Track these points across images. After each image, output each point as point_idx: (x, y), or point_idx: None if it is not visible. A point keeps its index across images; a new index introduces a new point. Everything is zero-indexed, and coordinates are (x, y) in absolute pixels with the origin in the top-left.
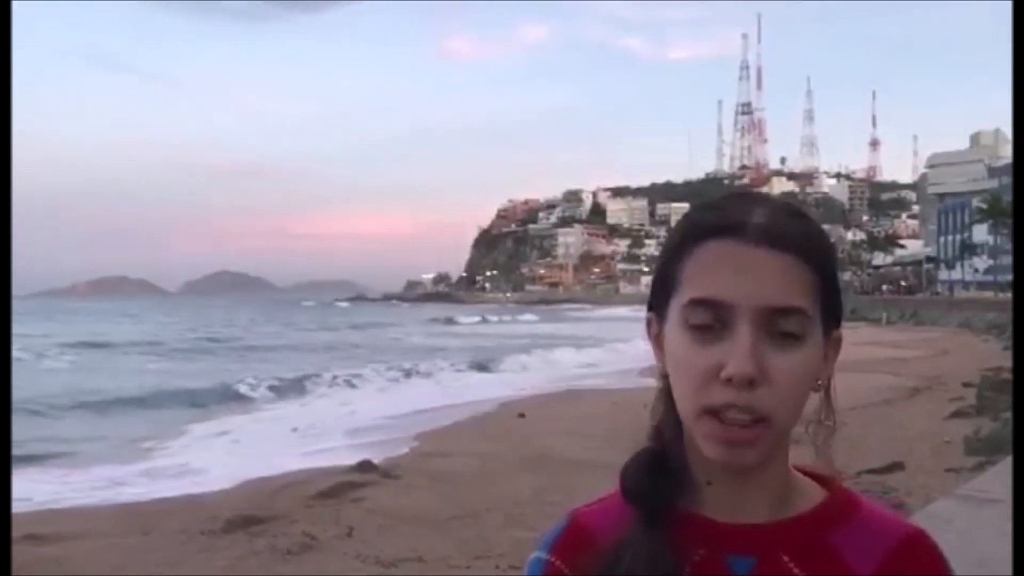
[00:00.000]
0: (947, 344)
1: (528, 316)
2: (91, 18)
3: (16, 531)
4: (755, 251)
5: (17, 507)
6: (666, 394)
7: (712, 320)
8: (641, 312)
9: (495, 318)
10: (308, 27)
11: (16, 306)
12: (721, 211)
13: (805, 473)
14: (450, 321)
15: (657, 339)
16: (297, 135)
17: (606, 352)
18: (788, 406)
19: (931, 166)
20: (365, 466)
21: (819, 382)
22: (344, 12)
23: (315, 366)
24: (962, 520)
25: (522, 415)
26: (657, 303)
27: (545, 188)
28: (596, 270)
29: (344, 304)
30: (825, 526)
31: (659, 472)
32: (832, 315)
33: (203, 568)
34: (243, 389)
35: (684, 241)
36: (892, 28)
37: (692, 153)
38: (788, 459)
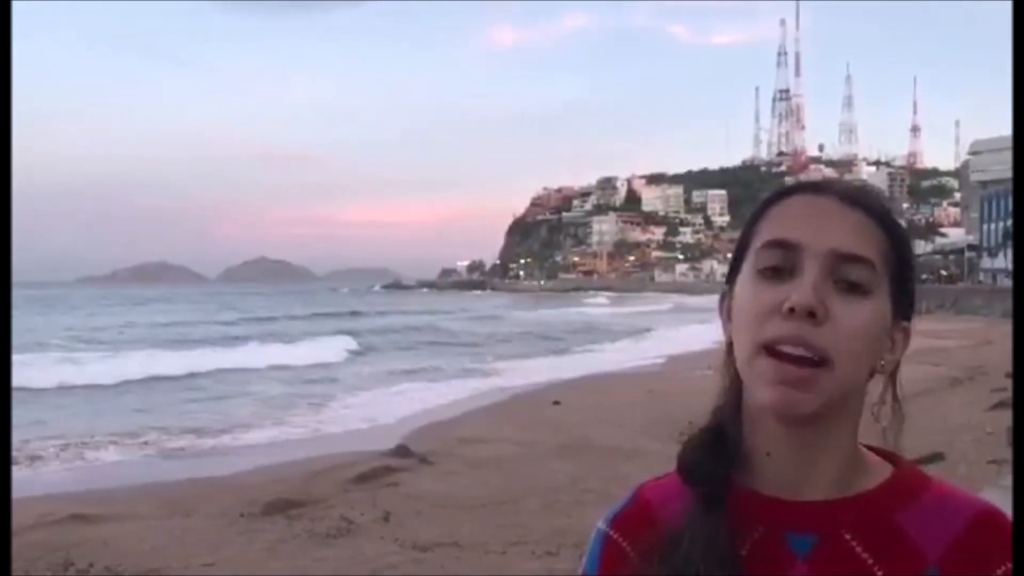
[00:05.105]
0: (990, 334)
1: (664, 305)
2: (136, 9)
3: (64, 511)
4: (830, 202)
5: (72, 487)
6: (728, 367)
7: (781, 262)
8: None
9: (627, 308)
10: (349, 16)
11: (72, 293)
12: (801, 181)
13: (872, 451)
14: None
15: (728, 311)
16: (335, 124)
17: None
18: (848, 353)
19: (973, 152)
20: (402, 451)
21: (882, 363)
22: (386, 1)
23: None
24: (1006, 511)
25: (557, 402)
26: (732, 270)
27: (580, 176)
28: (631, 258)
29: (424, 290)
30: (891, 504)
31: (716, 450)
32: (904, 297)
33: (243, 550)
34: None
35: (763, 206)
36: (934, 12)
37: (729, 140)
38: (856, 435)
